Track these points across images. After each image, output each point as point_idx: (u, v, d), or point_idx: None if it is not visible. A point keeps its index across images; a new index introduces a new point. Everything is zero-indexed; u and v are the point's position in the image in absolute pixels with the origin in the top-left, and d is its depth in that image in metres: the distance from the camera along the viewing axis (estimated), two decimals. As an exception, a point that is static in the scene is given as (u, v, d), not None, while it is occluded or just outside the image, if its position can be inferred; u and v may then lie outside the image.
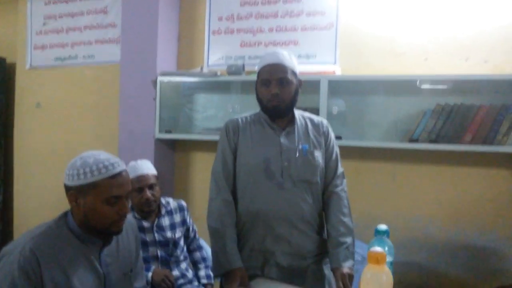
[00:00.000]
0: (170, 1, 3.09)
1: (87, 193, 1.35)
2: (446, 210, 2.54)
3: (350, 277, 1.63)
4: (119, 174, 1.38)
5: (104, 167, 1.35)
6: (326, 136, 1.86)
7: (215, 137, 2.78)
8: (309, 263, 1.77)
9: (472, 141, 2.34)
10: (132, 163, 2.21)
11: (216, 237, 1.75)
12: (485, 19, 2.49)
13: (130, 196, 2.10)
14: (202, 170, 3.09)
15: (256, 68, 1.83)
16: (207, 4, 3.12)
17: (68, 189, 1.37)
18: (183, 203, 2.34)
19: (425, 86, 2.51)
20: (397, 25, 2.66)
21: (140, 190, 2.13)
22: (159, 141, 2.98)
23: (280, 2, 2.94)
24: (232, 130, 1.83)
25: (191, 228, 2.33)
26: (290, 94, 1.75)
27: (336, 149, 1.87)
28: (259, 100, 1.79)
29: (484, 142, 2.32)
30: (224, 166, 1.80)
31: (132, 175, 2.12)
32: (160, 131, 2.92)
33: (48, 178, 3.56)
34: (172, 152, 3.16)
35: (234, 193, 1.81)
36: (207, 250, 2.36)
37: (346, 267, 1.65)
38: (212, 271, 1.92)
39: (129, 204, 2.20)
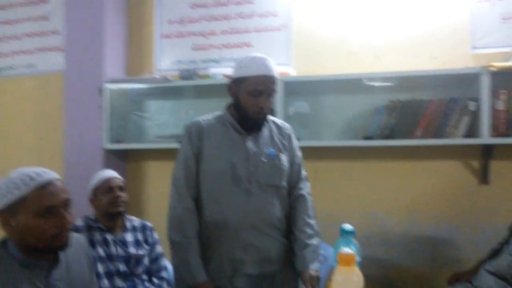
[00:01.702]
0: (117, 6, 2.97)
1: (18, 211, 1.22)
2: (402, 204, 2.60)
3: (317, 279, 1.61)
4: (49, 183, 1.25)
5: (30, 178, 1.23)
6: (290, 139, 1.83)
7: (169, 145, 2.71)
8: (278, 268, 1.73)
9: (424, 135, 2.40)
10: (96, 173, 2.20)
11: (177, 250, 1.66)
12: (432, 17, 2.57)
13: (98, 201, 2.00)
14: (156, 181, 2.98)
15: (239, 72, 1.69)
16: (156, 7, 3.03)
17: None
18: (148, 223, 2.24)
19: (377, 84, 2.55)
20: (349, 25, 2.69)
21: (110, 190, 2.08)
22: (108, 152, 2.83)
23: (231, 4, 2.90)
24: (196, 134, 1.73)
25: (154, 250, 2.20)
26: (272, 105, 1.72)
27: (299, 153, 1.85)
28: (242, 108, 1.69)
29: (435, 135, 2.38)
30: (186, 172, 1.71)
31: (99, 179, 2.12)
32: (109, 141, 2.78)
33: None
34: (123, 163, 3.02)
35: (197, 200, 1.72)
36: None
37: (313, 269, 1.63)
38: (174, 286, 1.83)
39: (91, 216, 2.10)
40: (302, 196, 1.78)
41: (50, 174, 1.28)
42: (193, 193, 1.72)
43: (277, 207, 1.72)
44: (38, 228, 1.22)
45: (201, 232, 1.71)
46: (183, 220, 1.67)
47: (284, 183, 1.76)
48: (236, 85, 1.70)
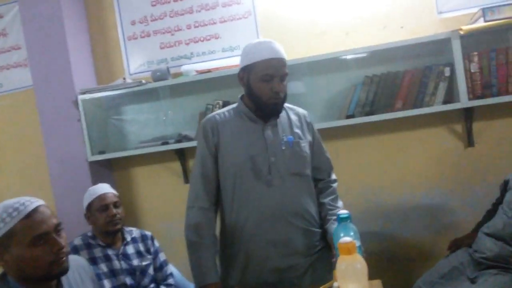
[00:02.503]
0: (76, 13, 2.87)
1: (9, 245, 1.21)
2: (393, 177, 2.63)
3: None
4: (34, 210, 1.24)
5: (15, 210, 1.22)
6: (311, 128, 1.80)
7: (153, 149, 2.68)
8: (308, 259, 1.70)
9: (404, 107, 2.42)
10: (90, 188, 2.17)
11: (192, 250, 1.66)
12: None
13: (94, 219, 1.98)
14: (146, 186, 2.95)
15: (246, 60, 1.64)
16: (116, 8, 2.94)
17: None
18: (147, 232, 2.24)
19: (350, 61, 2.55)
20: (315, 5, 2.67)
21: (105, 208, 2.05)
22: (93, 164, 2.78)
23: (193, -3, 2.83)
24: (211, 130, 1.69)
25: (157, 258, 2.20)
26: (286, 89, 1.67)
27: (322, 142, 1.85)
28: (256, 96, 1.63)
29: (415, 105, 2.41)
30: (202, 170, 1.68)
31: (92, 196, 2.08)
32: (92, 153, 2.73)
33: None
34: (110, 172, 2.97)
35: (218, 198, 1.71)
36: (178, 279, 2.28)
37: None
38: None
39: (89, 233, 2.08)
40: (335, 180, 1.85)
41: (34, 202, 1.26)
42: (211, 192, 1.69)
43: (302, 197, 1.69)
44: (33, 258, 1.21)
45: (224, 230, 1.71)
46: (198, 220, 1.66)
47: (308, 171, 1.73)
48: (245, 73, 1.66)
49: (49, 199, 2.79)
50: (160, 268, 2.17)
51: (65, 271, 1.28)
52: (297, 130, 1.74)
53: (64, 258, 1.27)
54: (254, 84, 1.63)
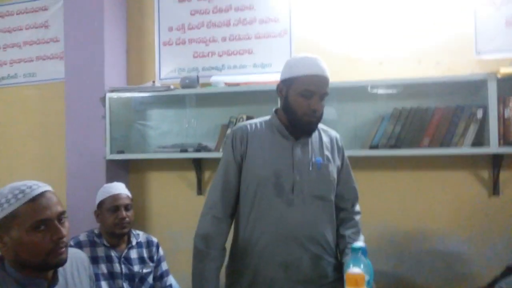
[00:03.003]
0: (116, 13, 2.94)
1: (10, 226, 1.18)
2: (410, 216, 2.54)
3: None
4: (41, 195, 1.21)
5: (21, 192, 1.19)
6: (342, 152, 1.76)
7: (171, 155, 2.68)
8: None
9: (430, 144, 2.35)
10: (105, 185, 2.17)
11: (197, 258, 1.62)
12: (436, 21, 2.52)
13: (103, 218, 1.96)
14: (159, 192, 2.94)
15: (288, 72, 1.61)
16: (156, 14, 2.99)
17: None
18: (154, 239, 2.20)
19: (381, 91, 2.50)
20: (350, 30, 2.65)
21: (115, 209, 2.02)
22: (110, 162, 2.79)
23: (232, 10, 2.86)
24: (240, 139, 1.65)
25: (159, 267, 2.16)
26: (323, 109, 1.64)
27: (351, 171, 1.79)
28: (292, 110, 1.59)
29: (442, 144, 2.33)
30: (224, 178, 1.65)
31: (106, 194, 2.05)
32: (111, 151, 2.74)
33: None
34: (126, 173, 2.98)
35: (235, 209, 1.67)
36: None
37: None
38: None
39: (96, 230, 2.06)
40: (359, 212, 1.77)
41: (42, 186, 1.24)
42: (228, 203, 1.65)
43: (322, 222, 1.63)
44: (32, 244, 1.18)
45: (235, 244, 1.66)
46: (209, 229, 1.61)
47: (331, 197, 1.67)
48: (285, 86, 1.62)
49: (61, 191, 2.82)
50: (160, 277, 2.13)
51: (62, 262, 1.24)
52: (327, 153, 1.69)
53: (63, 248, 1.23)
54: (292, 97, 1.59)
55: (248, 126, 1.68)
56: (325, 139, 1.72)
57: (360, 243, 1.57)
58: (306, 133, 1.64)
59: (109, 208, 2.02)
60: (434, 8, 2.53)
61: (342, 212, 1.74)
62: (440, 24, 2.52)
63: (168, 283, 2.15)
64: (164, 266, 2.17)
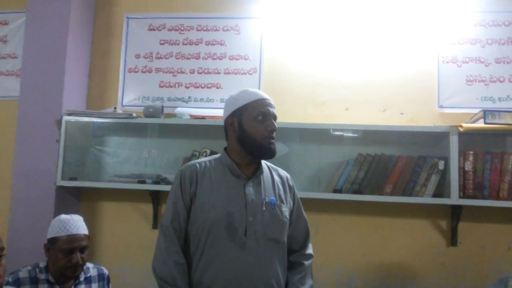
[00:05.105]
0: (81, 33, 2.83)
1: None
2: (369, 261, 2.52)
3: None
4: None
5: None
6: (293, 192, 1.70)
7: (127, 185, 2.54)
8: None
9: (393, 192, 2.37)
10: (64, 217, 1.89)
11: None
12: (401, 72, 2.62)
13: (54, 256, 1.78)
14: (112, 223, 2.76)
15: (235, 105, 1.60)
16: (124, 39, 2.91)
17: None
18: (105, 271, 2.02)
19: (346, 135, 2.52)
20: (319, 73, 2.69)
21: (70, 251, 1.80)
22: (61, 189, 2.60)
23: (202, 44, 2.84)
24: (189, 179, 1.57)
25: None
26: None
27: (303, 209, 1.72)
28: (250, 138, 1.55)
29: (404, 193, 2.36)
30: (175, 221, 1.54)
31: (61, 232, 1.83)
32: (63, 177, 2.56)
33: None
34: (77, 201, 2.79)
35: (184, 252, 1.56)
36: None
37: None
38: None
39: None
40: (304, 267, 1.63)
41: None
42: (182, 244, 1.55)
43: (276, 265, 1.55)
44: None
45: None
46: (176, 277, 1.48)
47: (284, 239, 1.60)
48: (236, 117, 1.59)
49: (4, 218, 2.61)
50: None
51: None
52: (280, 193, 1.64)
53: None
54: (247, 125, 1.57)
55: (198, 165, 1.62)
56: (277, 178, 1.68)
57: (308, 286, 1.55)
58: (269, 157, 1.60)
59: (62, 250, 1.81)
60: (400, 60, 2.63)
61: (293, 255, 1.66)
62: (405, 75, 2.61)
63: None
64: None
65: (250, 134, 1.56)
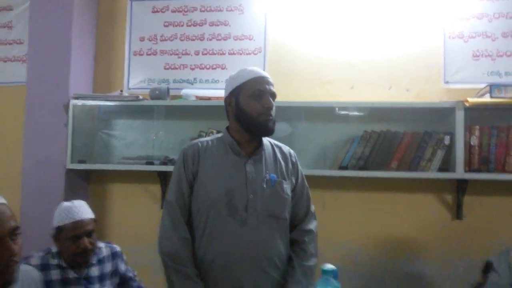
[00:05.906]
0: (86, 17, 2.84)
1: None
2: (375, 236, 2.55)
3: None
4: None
5: None
6: (296, 168, 1.70)
7: (135, 167, 2.58)
8: None
9: (398, 168, 2.38)
10: (66, 204, 1.85)
11: (175, 276, 1.50)
12: (407, 49, 2.60)
13: (63, 244, 1.80)
14: (121, 204, 2.81)
15: (233, 84, 1.62)
16: (128, 22, 2.92)
17: None
18: (117, 248, 2.01)
19: (351, 114, 2.52)
20: (324, 53, 2.68)
21: (77, 237, 1.79)
22: (70, 172, 2.65)
23: (206, 25, 2.83)
24: (191, 158, 1.60)
25: (126, 276, 2.00)
26: (274, 110, 1.62)
27: (307, 184, 1.72)
28: (246, 115, 1.56)
29: (409, 168, 2.37)
30: (178, 197, 1.58)
31: (65, 220, 1.80)
32: (72, 161, 2.60)
33: None
34: (86, 184, 2.84)
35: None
36: None
37: None
38: None
39: (54, 249, 1.84)
40: (305, 242, 1.62)
41: None
42: (186, 220, 1.58)
43: (277, 242, 1.56)
44: None
45: None
46: (180, 252, 1.51)
47: (285, 215, 1.61)
48: (233, 96, 1.61)
49: (16, 202, 2.65)
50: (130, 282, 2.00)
51: (11, 282, 1.14)
52: (282, 170, 1.65)
53: (13, 267, 1.13)
54: (244, 103, 1.58)
55: (200, 144, 1.64)
56: (279, 155, 1.69)
57: (310, 262, 1.58)
58: (267, 134, 1.62)
59: (69, 237, 1.79)
60: (405, 37, 2.60)
61: (293, 232, 1.67)
62: (410, 53, 2.59)
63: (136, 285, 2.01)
64: (130, 273, 2.02)
65: (246, 111, 1.57)
